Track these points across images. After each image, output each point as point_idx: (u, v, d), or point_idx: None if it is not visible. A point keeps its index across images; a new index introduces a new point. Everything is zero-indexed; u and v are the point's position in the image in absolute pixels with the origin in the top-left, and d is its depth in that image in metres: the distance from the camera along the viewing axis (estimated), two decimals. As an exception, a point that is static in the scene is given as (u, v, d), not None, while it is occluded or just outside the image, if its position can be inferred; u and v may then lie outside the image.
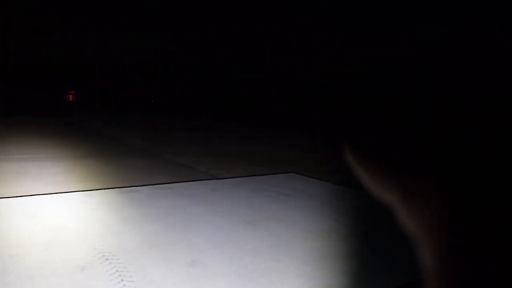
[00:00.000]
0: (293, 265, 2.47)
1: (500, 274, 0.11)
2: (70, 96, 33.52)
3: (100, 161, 6.13)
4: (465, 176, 0.13)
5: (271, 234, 3.00)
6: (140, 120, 17.39)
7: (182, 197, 4.01)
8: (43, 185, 4.34)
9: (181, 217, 3.34)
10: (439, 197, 0.13)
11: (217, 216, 3.39)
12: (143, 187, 4.41)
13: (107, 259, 2.43)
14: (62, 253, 2.51)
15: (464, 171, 0.13)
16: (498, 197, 0.12)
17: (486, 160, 0.12)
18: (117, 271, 2.28)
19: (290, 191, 4.47)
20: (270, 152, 7.91)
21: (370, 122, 0.16)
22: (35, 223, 3.05)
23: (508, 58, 0.13)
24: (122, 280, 2.16)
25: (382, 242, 2.93)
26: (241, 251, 2.65)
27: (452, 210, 0.13)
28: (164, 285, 2.14)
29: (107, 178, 4.85)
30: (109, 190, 4.22)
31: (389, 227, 3.32)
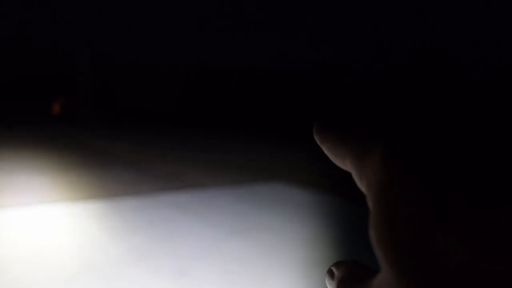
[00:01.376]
0: (280, 274, 2.49)
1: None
2: (55, 107, 33.20)
3: (85, 172, 6.10)
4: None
5: (257, 243, 3.02)
6: (125, 131, 17.36)
7: (168, 207, 4.02)
8: (28, 196, 4.30)
9: (167, 227, 3.34)
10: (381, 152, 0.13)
11: (204, 226, 3.40)
12: (128, 197, 4.40)
13: (93, 271, 2.43)
14: (48, 265, 2.49)
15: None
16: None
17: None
18: (104, 282, 2.27)
19: (276, 199, 4.50)
20: (254, 160, 7.95)
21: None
22: (20, 236, 3.03)
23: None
24: (107, 292, 2.16)
25: (369, 248, 2.97)
26: (228, 261, 2.66)
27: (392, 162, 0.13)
28: (149, 296, 2.15)
29: (93, 190, 4.83)
30: (94, 201, 4.21)
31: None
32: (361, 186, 0.15)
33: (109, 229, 3.27)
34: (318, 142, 0.18)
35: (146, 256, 2.70)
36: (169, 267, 2.53)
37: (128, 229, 3.27)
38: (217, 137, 14.84)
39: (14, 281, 2.27)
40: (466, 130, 0.12)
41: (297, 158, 8.48)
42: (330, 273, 0.17)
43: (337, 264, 0.17)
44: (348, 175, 6.27)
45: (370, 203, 0.13)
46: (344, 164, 0.16)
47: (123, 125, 21.00)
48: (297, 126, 20.72)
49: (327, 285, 0.17)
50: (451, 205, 0.10)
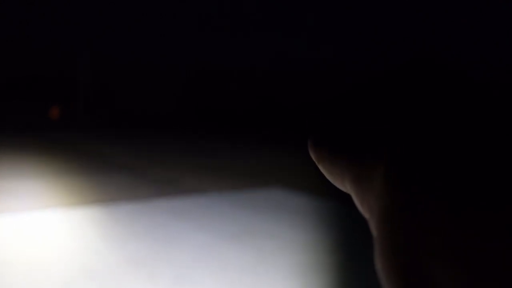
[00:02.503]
0: (279, 279, 2.48)
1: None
2: (53, 111, 33.13)
3: (83, 178, 6.09)
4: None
5: (255, 249, 3.01)
6: (123, 135, 17.35)
7: (166, 213, 4.00)
8: (25, 202, 4.29)
9: (165, 233, 3.33)
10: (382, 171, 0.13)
11: (201, 232, 3.39)
12: (126, 203, 4.39)
13: (91, 276, 2.41)
14: (45, 272, 2.48)
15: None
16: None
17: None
18: (99, 290, 2.26)
19: (274, 205, 4.49)
20: (251, 164, 7.93)
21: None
22: (17, 242, 3.02)
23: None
24: (104, 300, 2.15)
25: (367, 253, 2.96)
26: (226, 266, 2.65)
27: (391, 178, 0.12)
28: (146, 304, 2.14)
29: (90, 195, 4.82)
30: (92, 206, 4.20)
31: (372, 238, 3.35)
32: (363, 210, 0.14)
33: (106, 234, 3.26)
34: (314, 160, 0.17)
35: (143, 262, 2.69)
36: (166, 273, 2.52)
37: (125, 235, 3.26)
38: (215, 141, 14.83)
39: (12, 286, 2.25)
40: (472, 150, 0.11)
41: (296, 163, 8.47)
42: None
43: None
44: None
45: (373, 228, 0.13)
46: (343, 185, 0.16)
47: (120, 129, 20.99)
48: (296, 131, 20.69)
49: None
50: (457, 237, 0.10)
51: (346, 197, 4.88)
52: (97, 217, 3.77)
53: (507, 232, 0.09)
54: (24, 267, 2.54)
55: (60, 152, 9.11)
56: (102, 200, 4.43)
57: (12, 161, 7.15)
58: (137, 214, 3.92)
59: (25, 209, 3.96)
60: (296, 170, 7.03)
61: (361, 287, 2.43)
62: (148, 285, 2.33)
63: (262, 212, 4.15)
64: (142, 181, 5.75)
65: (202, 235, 3.31)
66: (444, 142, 0.12)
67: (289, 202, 4.66)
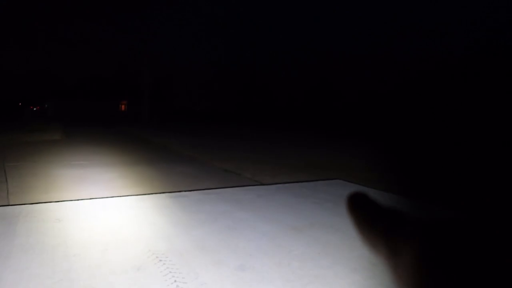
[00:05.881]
0: (342, 273, 2.43)
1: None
2: (122, 106, 35.89)
3: (151, 167, 6.41)
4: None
5: (317, 241, 2.98)
6: (186, 129, 17.94)
7: (229, 202, 4.09)
8: (101, 190, 4.61)
9: (228, 222, 3.41)
10: None
11: (263, 222, 3.42)
12: (191, 192, 4.55)
13: (160, 260, 2.54)
14: (119, 253, 2.65)
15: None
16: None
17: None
18: (170, 272, 2.37)
19: (336, 197, 4.40)
20: (313, 157, 7.84)
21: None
22: (95, 225, 3.26)
23: None
24: (175, 281, 2.25)
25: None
26: (289, 257, 2.65)
27: None
28: (214, 288, 2.20)
29: (157, 184, 5.06)
30: (159, 194, 4.40)
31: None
32: None
33: (173, 222, 3.40)
34: None
35: (209, 248, 2.77)
36: (231, 260, 2.57)
37: (191, 223, 3.38)
38: (280, 135, 14.89)
39: (90, 268, 2.44)
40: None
41: (361, 156, 8.26)
42: None
43: None
44: (410, 173, 5.97)
45: None
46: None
47: (181, 124, 21.79)
48: (355, 125, 20.16)
49: None
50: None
51: (410, 190, 4.65)
52: (164, 204, 3.96)
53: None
54: (101, 249, 2.74)
55: (129, 144, 9.70)
56: (171, 189, 4.64)
57: (86, 151, 7.74)
58: (202, 203, 4.05)
59: (104, 196, 4.26)
60: (361, 162, 6.86)
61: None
62: (214, 271, 2.40)
63: (323, 204, 4.10)
64: (207, 171, 5.94)
65: (264, 225, 3.34)
66: None
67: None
